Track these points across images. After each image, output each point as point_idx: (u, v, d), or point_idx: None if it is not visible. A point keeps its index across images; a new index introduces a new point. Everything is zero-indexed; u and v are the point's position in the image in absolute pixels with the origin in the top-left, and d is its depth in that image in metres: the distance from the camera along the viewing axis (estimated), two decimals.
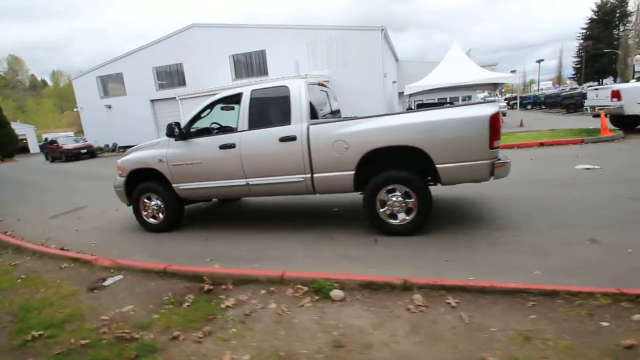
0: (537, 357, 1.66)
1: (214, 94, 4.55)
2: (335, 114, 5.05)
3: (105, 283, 3.08)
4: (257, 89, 4.09)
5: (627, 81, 31.76)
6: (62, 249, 4.16)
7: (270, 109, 4.09)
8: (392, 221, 3.61)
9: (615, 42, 41.41)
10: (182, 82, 21.48)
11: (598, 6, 43.60)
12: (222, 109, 4.68)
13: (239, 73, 20.20)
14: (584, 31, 44.95)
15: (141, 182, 4.67)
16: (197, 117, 4.37)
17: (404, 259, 3.05)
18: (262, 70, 19.55)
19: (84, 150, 21.00)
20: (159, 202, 4.59)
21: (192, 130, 4.34)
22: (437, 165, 3.35)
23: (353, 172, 3.64)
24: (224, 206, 5.89)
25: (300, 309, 2.35)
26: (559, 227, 3.42)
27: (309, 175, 3.80)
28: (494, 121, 3.15)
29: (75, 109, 28.89)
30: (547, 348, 1.73)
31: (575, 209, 3.88)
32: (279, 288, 2.64)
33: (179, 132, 4.21)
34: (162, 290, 2.87)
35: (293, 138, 3.75)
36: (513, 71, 38.35)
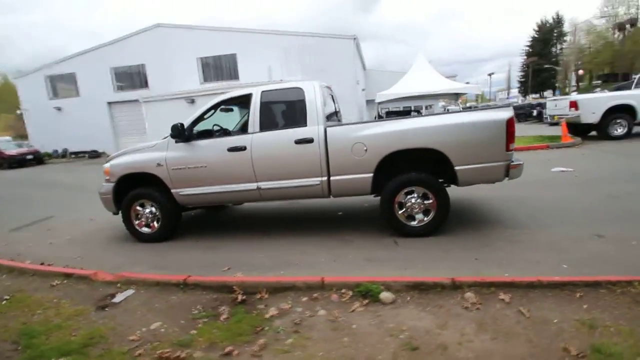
0: (610, 343, 1.75)
1: (184, 97, 4.34)
2: (337, 114, 5.04)
3: (116, 299, 2.76)
4: (268, 90, 3.95)
5: (567, 94, 35.42)
6: (42, 264, 3.68)
7: (283, 111, 3.98)
8: (410, 223, 3.65)
9: (554, 59, 46.18)
10: (143, 84, 20.27)
11: (539, 26, 48.44)
12: (224, 110, 4.46)
13: (207, 76, 19.54)
14: (527, 48, 49.62)
15: (132, 189, 4.29)
16: (200, 118, 4.12)
17: (434, 259, 3.08)
18: (233, 75, 19.09)
19: (30, 156, 18.96)
20: (153, 210, 4.24)
21: (194, 132, 4.09)
22: (456, 167, 3.45)
23: (371, 175, 3.63)
24: (214, 213, 5.59)
25: (353, 314, 2.27)
26: (563, 224, 3.67)
27: (325, 178, 3.73)
28: (510, 125, 3.32)
29: (18, 111, 26.06)
30: (613, 334, 1.83)
31: (571, 208, 4.19)
32: (322, 294, 2.53)
33: (186, 134, 3.93)
34: (187, 303, 2.62)
35: (310, 140, 3.67)
36: (467, 82, 41.23)
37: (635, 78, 9.85)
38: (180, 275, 2.94)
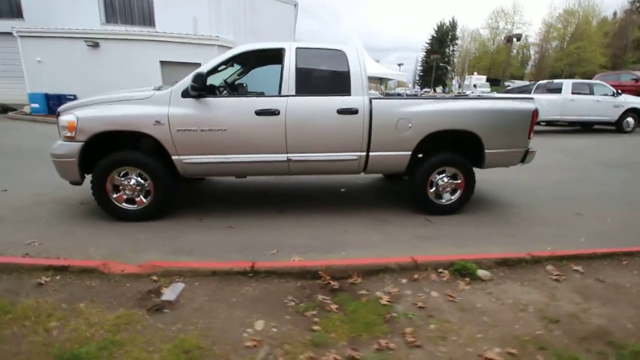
0: None
1: (84, 38, 3.50)
2: None
3: (167, 297, 2.10)
4: (304, 48, 3.43)
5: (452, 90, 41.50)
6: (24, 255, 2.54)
7: (322, 75, 3.54)
8: (440, 201, 3.79)
9: (447, 59, 53.08)
10: (16, 13, 15.26)
11: (438, 27, 54.61)
12: (242, 64, 3.71)
13: (111, 17, 15.83)
14: (427, 45, 55.64)
15: (103, 152, 3.27)
16: (214, 70, 3.34)
17: (477, 235, 3.29)
18: (147, 20, 15.94)
19: None
20: (140, 180, 3.33)
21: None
22: (486, 151, 3.70)
23: (410, 153, 3.60)
24: (192, 184, 4.75)
25: (465, 294, 2.26)
26: (558, 200, 4.36)
27: (363, 154, 3.53)
28: (534, 115, 3.70)
29: None
30: None
31: (556, 188, 4.96)
32: (420, 275, 2.44)
33: (204, 87, 3.13)
34: (272, 295, 2.18)
35: (354, 111, 3.38)
36: (401, 64, 44.20)
37: (534, 84, 12.16)
38: (243, 262, 2.42)
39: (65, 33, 13.33)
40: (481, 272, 2.45)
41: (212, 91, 3.34)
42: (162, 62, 13.92)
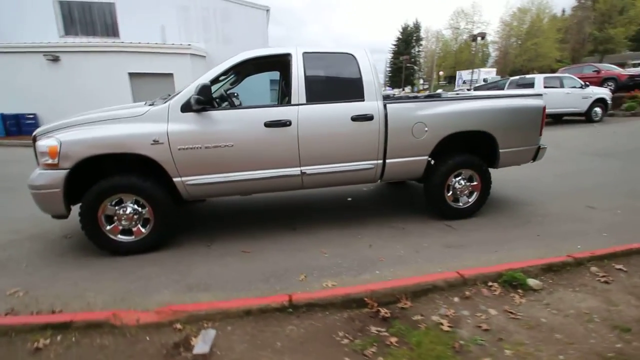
0: None
1: (42, 52, 3.19)
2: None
3: (199, 349, 1.78)
4: (311, 53, 3.19)
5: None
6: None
7: (332, 80, 3.31)
8: (457, 205, 3.66)
9: (413, 59, 54.54)
10: None
11: (403, 28, 56.09)
12: (242, 73, 3.41)
13: (70, 28, 14.83)
14: (394, 47, 56.97)
15: (91, 177, 2.88)
16: (215, 80, 3.03)
17: (506, 239, 3.17)
18: (110, 30, 15.08)
19: None
20: (138, 208, 2.95)
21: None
22: (501, 150, 3.62)
23: (427, 158, 3.45)
24: (188, 206, 4.36)
25: (524, 307, 2.11)
26: (565, 195, 4.36)
27: (380, 161, 3.34)
28: (544, 111, 3.67)
29: None
30: None
31: (558, 182, 4.99)
32: (471, 290, 2.26)
33: (211, 100, 2.81)
34: (319, 333, 1.92)
35: (370, 117, 3.18)
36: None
37: (507, 79, 12.59)
38: (279, 296, 2.13)
39: (20, 47, 12.32)
40: (532, 282, 2.31)
41: (211, 103, 3.03)
42: (131, 74, 13.18)
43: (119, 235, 2.98)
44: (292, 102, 3.07)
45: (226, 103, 3.49)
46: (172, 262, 2.88)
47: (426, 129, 3.33)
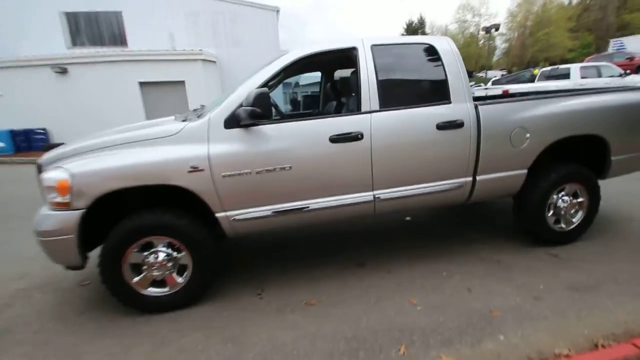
0: None
1: (49, 65, 2.61)
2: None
3: None
4: (382, 45, 2.51)
5: None
6: None
7: (411, 80, 2.62)
8: (561, 227, 2.94)
9: None
10: None
11: (407, 25, 55.17)
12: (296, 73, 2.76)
13: (78, 39, 14.45)
14: None
15: (113, 215, 2.26)
16: (265, 85, 2.36)
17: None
18: (118, 40, 14.65)
19: None
20: (172, 252, 2.30)
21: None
22: (614, 158, 2.89)
23: (526, 171, 2.74)
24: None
25: None
26: None
27: (469, 179, 2.64)
28: None
29: None
30: None
31: None
32: None
33: (270, 112, 2.15)
34: None
35: (459, 124, 2.49)
36: None
37: (536, 72, 11.75)
38: None
39: (27, 61, 11.93)
40: None
41: (270, 116, 2.36)
42: (142, 83, 12.69)
43: (150, 289, 2.34)
44: (363, 109, 2.39)
45: (276, 114, 2.84)
46: (219, 324, 2.21)
47: (527, 135, 2.62)
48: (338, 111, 3.28)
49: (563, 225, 2.96)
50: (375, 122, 2.37)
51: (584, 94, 2.83)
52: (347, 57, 2.53)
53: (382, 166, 2.42)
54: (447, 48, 2.57)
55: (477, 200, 2.83)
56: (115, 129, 2.66)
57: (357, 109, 2.41)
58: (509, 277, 2.54)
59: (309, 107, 9.66)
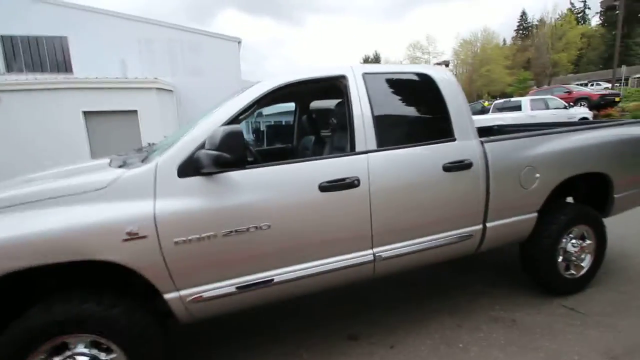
0: None
1: None
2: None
3: None
4: (374, 73, 2.12)
5: None
6: None
7: (409, 114, 2.23)
8: (571, 274, 2.63)
9: None
10: None
11: (364, 60, 58.26)
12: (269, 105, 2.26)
13: (14, 64, 13.05)
14: None
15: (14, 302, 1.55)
16: (235, 120, 1.83)
17: None
18: (62, 66, 13.44)
19: None
20: (98, 354, 1.59)
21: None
22: (616, 195, 2.69)
23: (536, 215, 2.42)
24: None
25: None
26: None
27: (479, 227, 2.25)
28: None
29: None
30: None
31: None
32: None
33: (245, 158, 1.59)
34: None
35: (468, 165, 2.12)
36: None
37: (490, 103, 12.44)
38: None
39: None
40: None
41: (244, 163, 1.79)
42: (86, 113, 11.51)
43: None
44: (357, 149, 1.94)
45: (249, 155, 2.29)
46: None
47: (537, 174, 2.32)
48: (317, 148, 2.83)
49: (573, 272, 2.66)
50: (373, 164, 1.93)
51: (586, 128, 2.63)
52: (333, 86, 2.10)
53: (383, 218, 1.95)
54: (445, 78, 2.24)
55: (486, 249, 2.44)
56: (23, 178, 1.95)
57: (350, 149, 1.96)
58: (534, 344, 2.12)
59: (275, 139, 9.21)
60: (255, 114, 18.22)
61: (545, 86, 18.72)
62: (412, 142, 2.07)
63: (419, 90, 2.23)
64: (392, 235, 2.01)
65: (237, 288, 1.73)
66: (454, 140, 2.15)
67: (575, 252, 2.60)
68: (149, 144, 2.26)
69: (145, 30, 13.90)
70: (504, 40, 53.61)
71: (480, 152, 2.18)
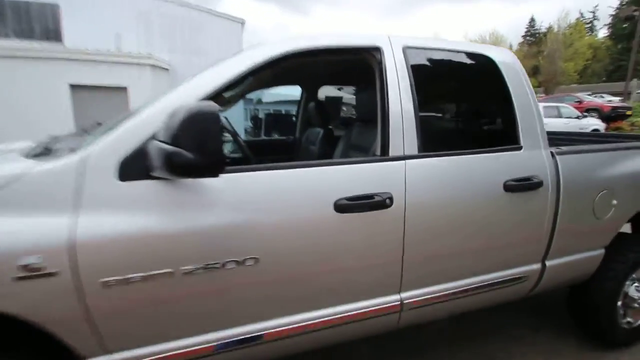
0: None
1: None
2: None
3: None
4: (420, 49, 1.51)
5: None
6: None
7: (459, 108, 1.64)
8: (629, 321, 2.09)
9: None
10: None
11: None
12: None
13: (1, 29, 12.13)
14: None
15: None
16: (218, 94, 1.23)
17: None
18: (52, 35, 12.52)
19: None
20: None
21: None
22: None
23: (604, 252, 1.88)
24: None
25: None
26: None
27: (538, 266, 1.70)
28: None
29: None
30: None
31: None
32: None
33: (219, 163, 0.99)
34: None
35: (537, 184, 1.55)
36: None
37: None
38: None
39: None
40: None
41: (222, 167, 1.18)
42: (73, 86, 10.71)
43: None
44: (392, 153, 1.36)
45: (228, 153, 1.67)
46: None
47: (615, 201, 1.77)
48: (326, 146, 2.23)
49: (631, 320, 2.13)
50: (412, 176, 1.34)
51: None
52: (359, 62, 1.50)
53: (418, 251, 1.38)
54: (511, 64, 1.65)
55: (540, 292, 1.89)
56: None
57: (381, 152, 1.37)
58: None
59: (274, 129, 8.54)
60: (255, 100, 17.51)
61: (557, 94, 18.13)
62: (465, 148, 1.48)
63: (476, 78, 1.64)
64: (427, 275, 1.45)
65: (200, 350, 1.16)
66: (520, 148, 1.57)
67: (638, 298, 2.07)
68: (98, 124, 1.65)
69: (144, 3, 13.01)
70: (511, 46, 52.99)
71: (552, 168, 1.61)
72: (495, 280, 1.59)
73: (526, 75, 1.67)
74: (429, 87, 1.49)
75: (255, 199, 1.16)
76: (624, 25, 37.80)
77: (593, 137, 2.68)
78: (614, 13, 43.89)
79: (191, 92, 1.15)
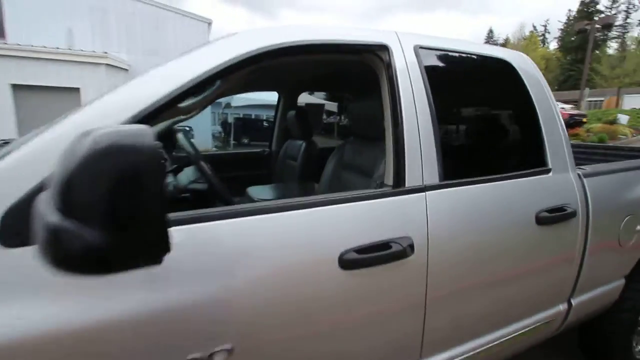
0: None
1: None
2: None
3: None
4: (431, 49, 1.22)
5: None
6: None
7: (480, 125, 1.35)
8: None
9: None
10: None
11: None
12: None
13: None
14: None
15: None
16: (157, 113, 0.84)
17: None
18: None
19: None
20: None
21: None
22: None
23: (624, 281, 1.68)
24: None
25: None
26: None
27: (563, 306, 1.45)
28: None
29: None
30: None
31: None
32: None
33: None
34: None
35: (570, 214, 1.30)
36: None
37: None
38: None
39: None
40: None
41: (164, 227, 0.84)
42: (15, 86, 9.59)
43: None
44: (409, 184, 1.04)
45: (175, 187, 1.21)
46: None
47: (639, 227, 1.58)
48: (310, 162, 1.89)
49: None
50: (434, 211, 1.03)
51: None
52: (359, 64, 1.17)
53: (443, 307, 1.07)
54: (533, 73, 1.40)
55: (565, 330, 1.66)
56: None
57: (394, 182, 1.04)
58: None
59: (243, 135, 8.05)
60: (223, 104, 16.88)
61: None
62: (491, 172, 1.20)
63: (497, 87, 1.37)
64: (453, 334, 1.14)
65: None
66: (549, 171, 1.32)
67: None
68: (3, 142, 1.18)
69: None
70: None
71: (581, 192, 1.38)
72: (524, 330, 1.32)
73: (547, 85, 1.43)
74: (447, 97, 1.20)
75: (227, 260, 0.79)
76: (572, 39, 40.94)
77: (588, 148, 2.55)
78: (562, 27, 47.48)
79: (119, 103, 0.77)
